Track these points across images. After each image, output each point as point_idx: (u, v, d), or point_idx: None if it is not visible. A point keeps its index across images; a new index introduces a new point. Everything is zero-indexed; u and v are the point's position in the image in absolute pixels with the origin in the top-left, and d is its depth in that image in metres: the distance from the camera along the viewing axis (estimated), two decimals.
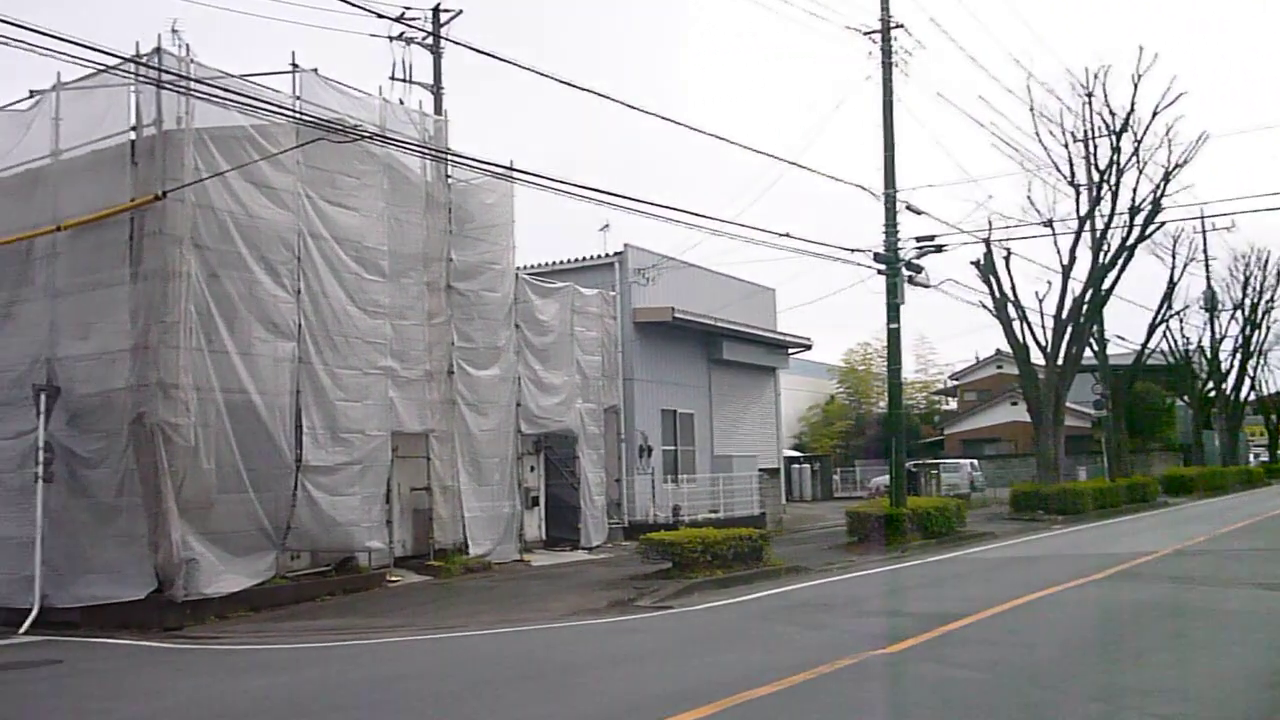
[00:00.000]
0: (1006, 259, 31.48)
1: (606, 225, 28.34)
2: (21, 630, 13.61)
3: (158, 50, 14.22)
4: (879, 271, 23.26)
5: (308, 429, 15.78)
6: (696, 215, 18.90)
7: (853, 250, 23.03)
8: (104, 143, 15.06)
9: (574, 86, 15.80)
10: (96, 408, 14.59)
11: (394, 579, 17.13)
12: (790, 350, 33.77)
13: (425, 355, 18.29)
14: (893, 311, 23.43)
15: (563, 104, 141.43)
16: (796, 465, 46.27)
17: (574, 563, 20.34)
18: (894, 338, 23.89)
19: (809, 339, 33.64)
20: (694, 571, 16.14)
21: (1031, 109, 32.27)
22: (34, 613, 13.89)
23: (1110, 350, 39.23)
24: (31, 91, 16.03)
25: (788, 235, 20.55)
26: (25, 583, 14.28)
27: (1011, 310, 32.01)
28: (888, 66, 23.76)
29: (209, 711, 8.92)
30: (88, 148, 15.26)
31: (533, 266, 26.09)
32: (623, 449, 24.93)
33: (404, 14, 23.11)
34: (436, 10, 24.20)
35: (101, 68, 13.78)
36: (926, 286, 24.58)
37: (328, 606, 15.09)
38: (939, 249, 24.34)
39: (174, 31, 15.03)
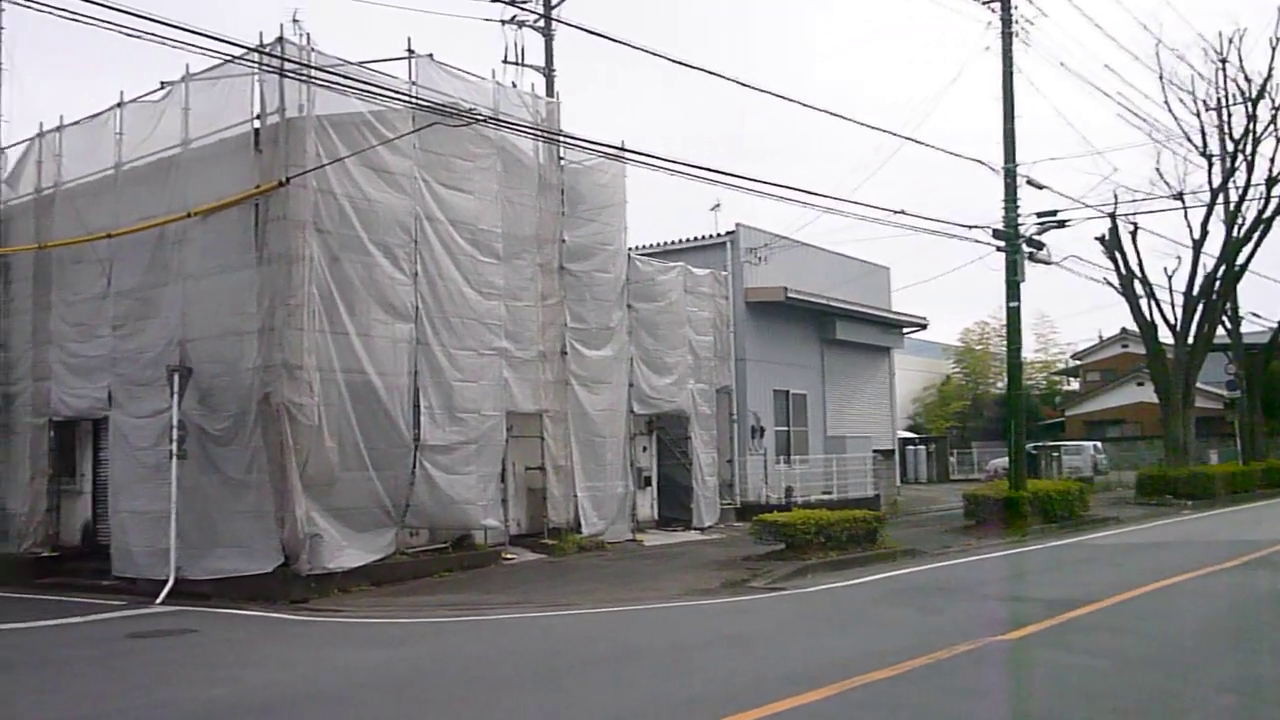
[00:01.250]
0: (1133, 234, 30.41)
1: (718, 205, 28.19)
2: (158, 600, 14.24)
3: (280, 40, 14.59)
4: (998, 248, 22.64)
5: (425, 409, 16.10)
6: (809, 193, 18.78)
7: (971, 227, 22.50)
8: (230, 131, 15.55)
9: (685, 65, 15.74)
10: (225, 387, 15.12)
11: (509, 557, 17.39)
12: (905, 330, 33.16)
13: (539, 336, 18.48)
14: (1012, 289, 22.81)
15: (673, 83, 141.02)
16: (911, 447, 45.51)
17: (686, 543, 20.36)
18: (1013, 316, 23.25)
19: (924, 318, 33.02)
20: (807, 553, 16.01)
21: (1161, 77, 31.03)
22: (169, 584, 14.53)
23: (1245, 328, 37.51)
24: (162, 83, 16.62)
25: (903, 212, 20.17)
26: (161, 555, 14.92)
27: (1138, 287, 30.91)
28: (1008, 36, 23.04)
29: (334, 682, 9.18)
30: (215, 136, 15.77)
31: (644, 247, 26.10)
32: (735, 429, 24.83)
33: None
34: None
35: (227, 58, 14.23)
36: (1048, 263, 23.89)
37: (445, 582, 15.40)
38: (1061, 224, 23.60)
39: (295, 21, 15.40)
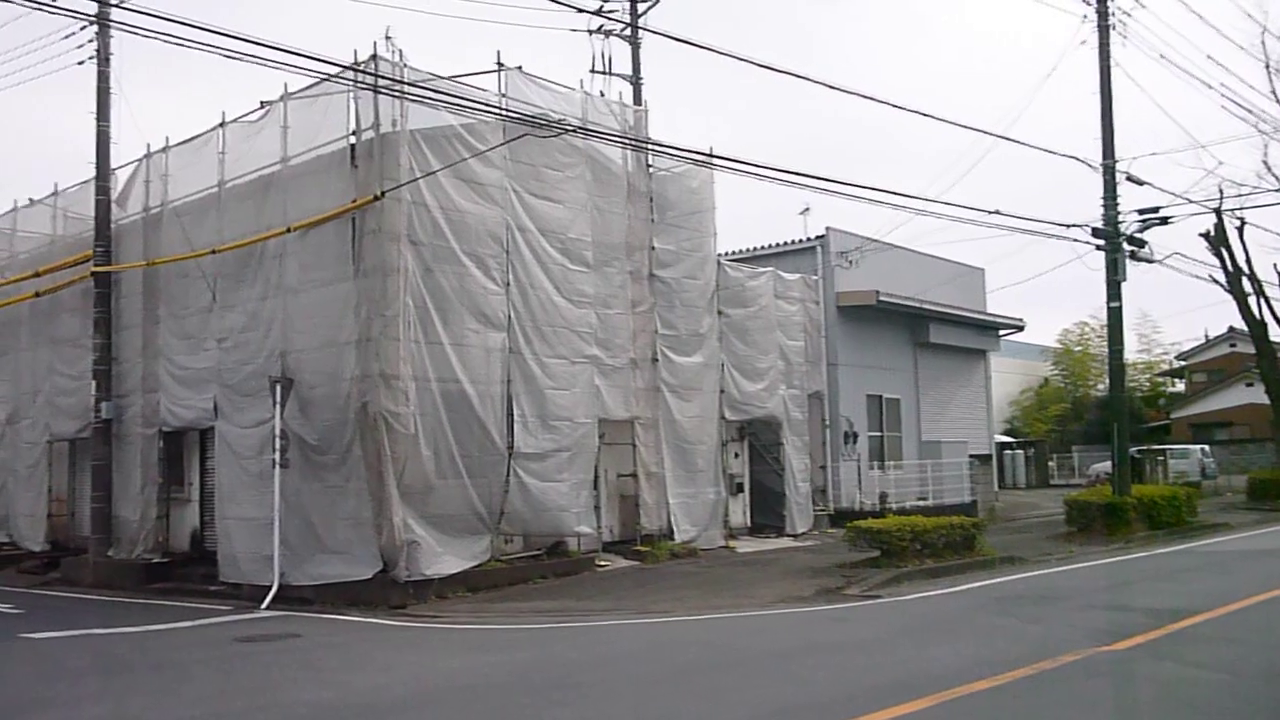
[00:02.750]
0: (1240, 229, 29.35)
1: (807, 209, 27.94)
2: (263, 605, 14.62)
3: (374, 57, 14.90)
4: (1097, 247, 22.09)
5: (518, 417, 16.28)
6: (900, 195, 18.55)
7: (1068, 226, 21.97)
8: (327, 147, 15.92)
9: (772, 69, 15.66)
10: (325, 397, 15.46)
11: (602, 563, 17.46)
12: (1001, 332, 32.53)
13: (630, 343, 18.56)
14: (1113, 289, 22.23)
15: (761, 86, 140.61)
16: (1009, 451, 44.56)
17: (779, 549, 20.22)
18: (1115, 316, 22.65)
19: (1021, 320, 32.33)
20: (903, 560, 15.79)
21: (1267, 66, 29.79)
22: (274, 589, 14.91)
23: None
24: (262, 102, 17.09)
25: (997, 212, 19.81)
26: (265, 561, 15.32)
27: (1246, 284, 29.83)
28: (1104, 30, 22.49)
29: (436, 686, 9.32)
30: (312, 153, 16.17)
31: (734, 252, 26.05)
32: (827, 435, 24.62)
33: (602, 7, 23.49)
34: (634, 1, 24.42)
35: (324, 77, 14.60)
36: (1150, 261, 23.18)
37: (540, 589, 15.53)
38: (1164, 221, 22.90)
39: (387, 38, 15.67)
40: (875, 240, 25.60)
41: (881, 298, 25.66)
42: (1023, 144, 21.14)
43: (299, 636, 12.37)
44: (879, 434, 26.92)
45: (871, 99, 17.64)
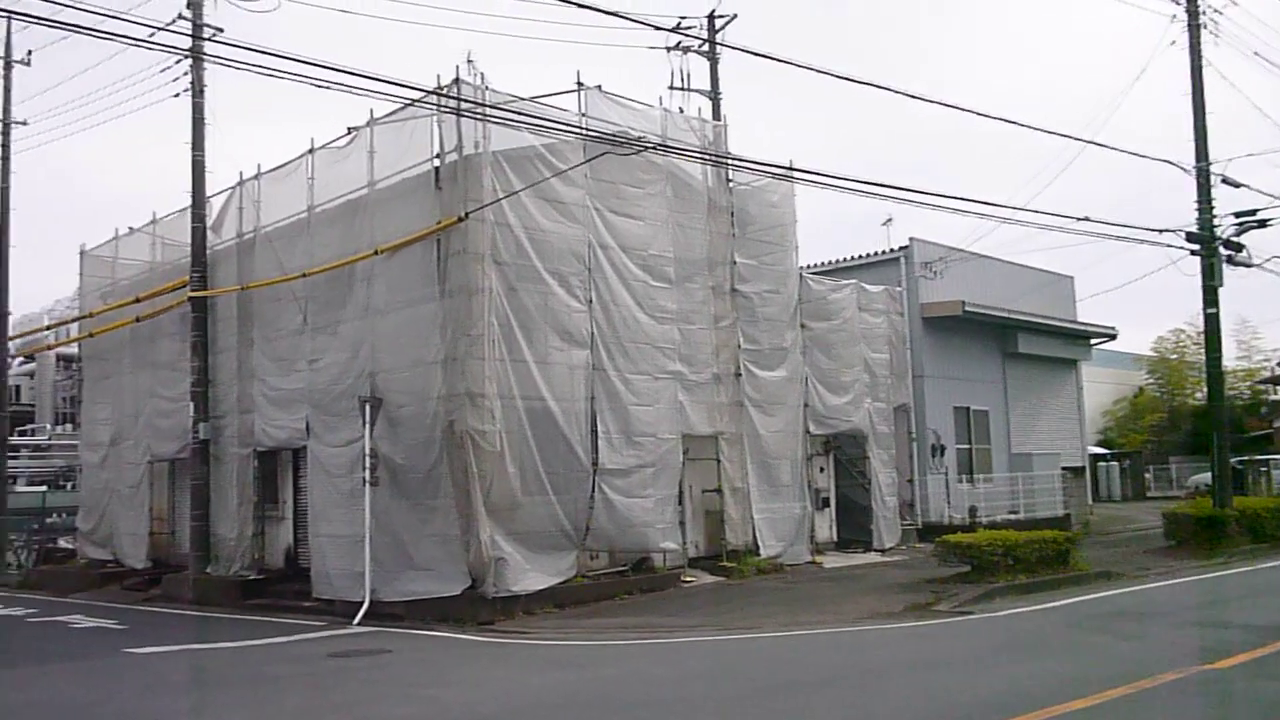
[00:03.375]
0: None
1: (889, 219, 27.69)
2: (355, 621, 14.88)
3: (456, 81, 15.16)
4: (1192, 252, 21.48)
5: (603, 433, 16.36)
6: (985, 204, 18.26)
7: (1161, 231, 21.38)
8: (412, 171, 16.22)
9: (851, 80, 15.56)
10: (412, 416, 15.71)
11: (688, 579, 17.43)
12: (1092, 341, 31.82)
13: (712, 358, 18.55)
14: (1209, 295, 21.59)
15: (840, 97, 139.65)
16: (1103, 463, 43.46)
17: (866, 565, 19.99)
18: (1212, 323, 21.99)
19: (1113, 328, 31.57)
20: (994, 575, 15.48)
21: None
22: (365, 605, 15.16)
23: None
24: (349, 129, 17.47)
25: (1086, 219, 19.40)
26: (357, 578, 15.59)
27: None
28: (1195, 29, 21.91)
29: (524, 703, 9.39)
30: (397, 176, 16.48)
31: (816, 265, 25.90)
32: (914, 448, 24.30)
33: (680, 25, 23.58)
34: (711, 17, 24.47)
35: (408, 102, 14.91)
36: (1248, 266, 22.43)
37: (626, 605, 15.55)
38: (1262, 224, 22.16)
39: (469, 62, 15.96)
40: (960, 250, 25.26)
41: (968, 308, 25.28)
42: (1111, 148, 20.67)
43: (390, 652, 12.57)
44: (967, 446, 26.48)
45: (954, 107, 17.44)
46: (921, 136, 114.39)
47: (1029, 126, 19.15)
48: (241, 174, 19.80)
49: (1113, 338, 32.31)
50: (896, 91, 19.27)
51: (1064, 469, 27.93)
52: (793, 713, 8.45)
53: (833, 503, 22.38)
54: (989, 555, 15.65)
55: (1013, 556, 15.78)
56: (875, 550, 21.69)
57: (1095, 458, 40.97)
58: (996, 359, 27.97)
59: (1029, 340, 28.22)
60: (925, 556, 19.05)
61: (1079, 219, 19.32)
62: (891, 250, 25.96)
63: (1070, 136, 19.57)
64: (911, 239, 25.71)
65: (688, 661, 11.52)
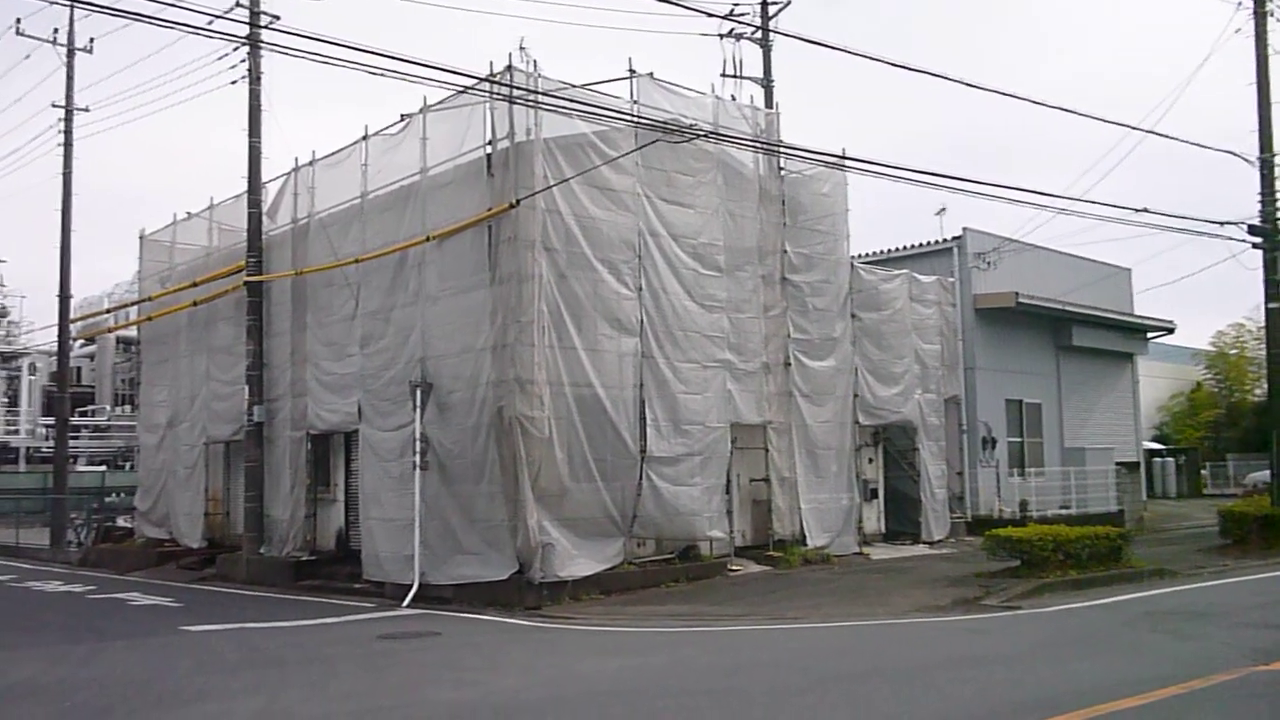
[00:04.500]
0: None
1: (943, 209, 27.37)
2: (404, 604, 15.06)
3: (509, 68, 15.22)
4: (1254, 245, 21.05)
5: (651, 421, 16.38)
6: (1041, 194, 18.02)
7: (1222, 223, 21.02)
8: (464, 158, 16.32)
9: (906, 68, 15.44)
10: (462, 402, 15.84)
11: (735, 568, 17.43)
12: (1150, 334, 31.30)
13: (762, 348, 18.50)
14: (1271, 288, 21.16)
15: (894, 86, 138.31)
16: (1158, 459, 42.75)
17: (915, 557, 19.86)
18: (1274, 317, 21.54)
19: (1171, 322, 31.02)
20: (1045, 571, 15.31)
21: None
22: (414, 588, 15.35)
23: None
24: (402, 116, 17.60)
25: (1145, 210, 19.11)
26: (407, 561, 15.78)
27: None
28: (1261, 16, 21.44)
29: (573, 689, 9.45)
30: (450, 163, 16.60)
31: (867, 254, 25.71)
32: (964, 440, 24.08)
33: (733, 11, 23.47)
34: (764, 3, 24.34)
35: (460, 89, 15.01)
36: None
37: (673, 593, 15.59)
38: None
39: (521, 49, 16.00)
40: (1015, 240, 24.95)
41: (1021, 300, 24.96)
42: (1172, 138, 20.25)
43: (439, 635, 12.70)
44: (1019, 440, 26.19)
45: (1010, 95, 17.22)
46: (977, 125, 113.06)
47: (1087, 115, 18.76)
48: (297, 160, 20.06)
49: (1170, 331, 31.76)
50: (951, 79, 18.97)
51: (1118, 464, 27.54)
52: (841, 703, 8.43)
53: (881, 494, 22.25)
54: (1040, 550, 15.48)
55: (1064, 552, 15.60)
56: (924, 543, 21.55)
57: (1150, 453, 40.33)
58: (1050, 352, 27.61)
59: (1084, 333, 27.83)
60: (974, 550, 18.89)
61: (1138, 210, 19.07)
62: (944, 240, 25.70)
63: (1129, 126, 19.31)
64: (965, 229, 25.43)
65: (736, 651, 11.52)
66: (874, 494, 21.94)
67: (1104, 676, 9.14)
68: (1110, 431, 29.36)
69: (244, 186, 20.34)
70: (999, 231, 25.38)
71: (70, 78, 28.06)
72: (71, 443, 33.37)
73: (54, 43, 27.90)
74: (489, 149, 15.89)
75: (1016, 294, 24.90)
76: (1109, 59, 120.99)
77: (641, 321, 16.50)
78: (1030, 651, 10.89)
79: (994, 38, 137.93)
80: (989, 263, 25.01)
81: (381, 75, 12.46)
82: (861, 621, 12.94)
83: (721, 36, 24.43)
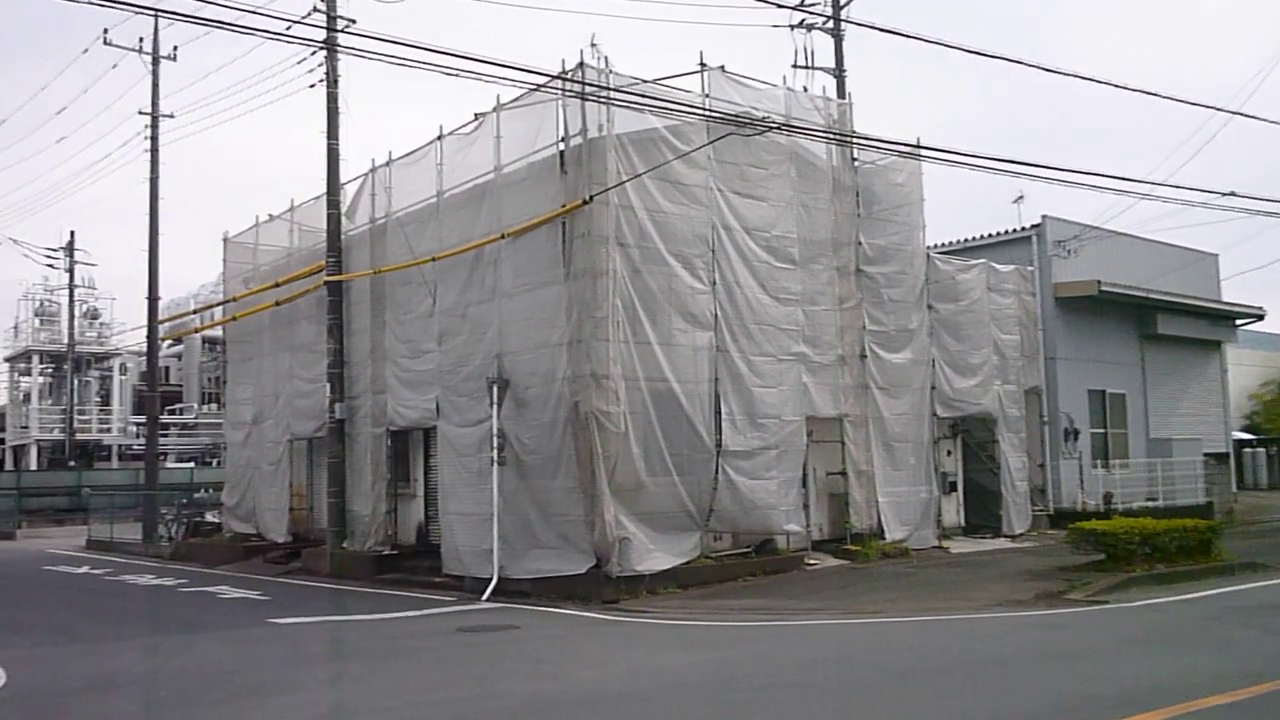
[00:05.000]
0: None
1: (1020, 197, 26.87)
2: (483, 597, 15.27)
3: (581, 65, 15.31)
4: None
5: (726, 415, 16.37)
6: (1123, 179, 17.61)
7: None
8: (537, 155, 16.46)
9: (982, 55, 15.23)
10: (538, 397, 15.98)
11: (812, 562, 17.36)
12: (1238, 321, 30.39)
13: (837, 340, 18.37)
14: None
15: (970, 72, 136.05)
16: (1249, 449, 41.52)
17: (995, 551, 19.58)
18: None
19: (1261, 308, 30.08)
20: (1130, 565, 15.00)
21: None
22: (493, 582, 15.55)
23: None
24: (475, 115, 17.79)
25: (1233, 194, 18.58)
26: (485, 555, 15.99)
27: None
28: None
29: (650, 682, 9.51)
30: (523, 161, 16.74)
31: (943, 244, 25.37)
32: (1045, 432, 23.65)
33: (803, 2, 23.32)
34: None
35: (533, 87, 15.13)
36: None
37: (749, 587, 15.57)
38: None
39: (593, 45, 16.07)
40: (1096, 227, 24.45)
41: (1104, 288, 24.41)
42: (1260, 119, 19.63)
43: (518, 628, 12.85)
44: (1102, 431, 25.64)
45: (1089, 79, 16.87)
46: (1055, 110, 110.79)
47: (1170, 98, 18.23)
48: (374, 161, 20.38)
49: (1260, 318, 30.80)
50: (1029, 65, 18.68)
51: (1206, 455, 26.80)
52: (921, 699, 8.37)
53: (960, 487, 21.97)
54: (1125, 544, 15.17)
55: (1150, 545, 15.27)
56: (1004, 536, 21.22)
57: (1240, 444, 39.16)
58: (1134, 340, 26.98)
59: (1169, 321, 27.13)
60: (1057, 544, 18.56)
61: (1224, 194, 18.53)
62: (1023, 229, 25.24)
63: (1214, 108, 18.77)
64: (1044, 217, 24.95)
65: (814, 645, 11.49)
66: (953, 487, 21.67)
67: (1191, 673, 8.95)
68: (1198, 422, 28.60)
69: (323, 188, 20.73)
70: (1079, 219, 24.91)
71: (155, 85, 28.89)
72: (161, 440, 34.40)
73: (140, 51, 28.74)
74: (562, 146, 15.99)
75: (1098, 282, 24.37)
76: (1198, 40, 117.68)
77: (715, 315, 16.49)
78: (1115, 647, 10.69)
79: (1067, 21, 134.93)
80: (1069, 251, 24.51)
81: (456, 75, 12.65)
82: (941, 616, 12.80)
83: (792, 27, 24.31)
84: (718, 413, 16.30)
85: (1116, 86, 18.33)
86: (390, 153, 19.91)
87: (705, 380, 16.27)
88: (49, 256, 45.25)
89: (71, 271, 45.96)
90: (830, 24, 24.52)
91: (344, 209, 20.73)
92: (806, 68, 24.15)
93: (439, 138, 18.50)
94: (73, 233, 46.05)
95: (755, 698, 8.56)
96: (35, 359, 47.96)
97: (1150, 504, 23.46)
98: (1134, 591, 13.87)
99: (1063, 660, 9.94)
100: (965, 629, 12.11)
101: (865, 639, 11.77)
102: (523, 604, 14.81)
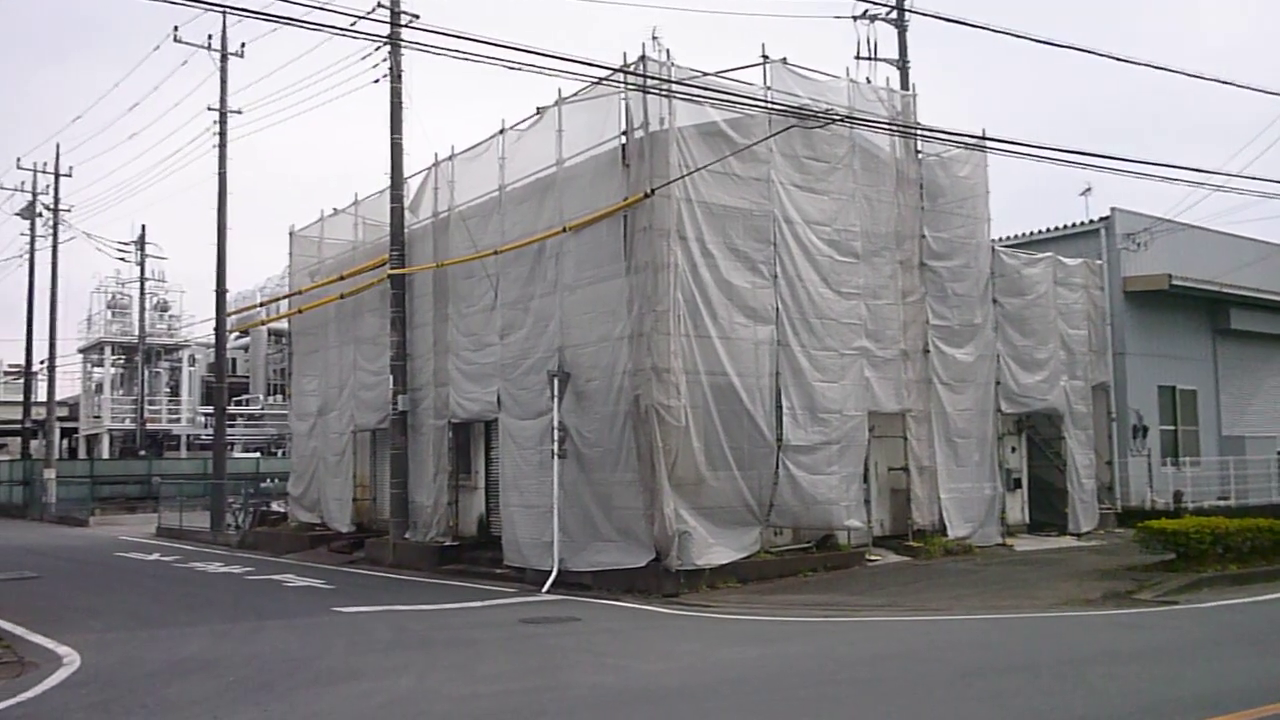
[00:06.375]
0: None
1: (1088, 189, 26.50)
2: (544, 589, 15.35)
3: (642, 59, 15.28)
4: None
5: (787, 409, 16.28)
6: (1195, 170, 17.21)
7: None
8: (599, 148, 16.46)
9: (1050, 44, 14.96)
10: (599, 390, 16.01)
11: (873, 558, 17.21)
12: None
13: (900, 334, 18.19)
14: None
15: (1036, 62, 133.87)
16: None
17: (1061, 549, 19.26)
18: None
19: None
20: (1202, 565, 14.70)
21: None
22: (554, 574, 15.63)
23: None
24: (537, 109, 17.86)
25: None
26: (546, 547, 16.07)
27: None
28: None
29: (712, 676, 9.48)
30: (585, 154, 16.76)
31: (1009, 237, 25.02)
32: (1114, 429, 23.19)
33: None
34: None
35: (594, 80, 15.15)
36: None
37: (810, 582, 15.49)
38: None
39: (654, 39, 16.05)
40: (1167, 220, 23.96)
41: (1175, 281, 23.89)
42: None
43: (579, 620, 12.89)
44: (1172, 428, 25.12)
45: (1160, 68, 16.49)
46: (1124, 100, 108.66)
47: (1244, 87, 17.72)
48: (436, 155, 20.55)
49: None
50: (1098, 54, 18.36)
51: None
52: (986, 698, 8.26)
53: (1025, 484, 21.65)
54: (1196, 543, 14.85)
55: (1223, 545, 14.95)
56: (1070, 534, 20.88)
57: None
58: (1206, 335, 26.39)
59: (1244, 316, 26.49)
60: (1125, 542, 18.23)
61: None
62: (1091, 221, 24.80)
63: None
64: (1113, 209, 24.48)
65: (876, 641, 11.39)
66: (1018, 484, 21.36)
67: (1268, 676, 8.75)
68: (1273, 419, 27.91)
69: (386, 182, 20.96)
70: (1150, 211, 24.41)
71: (224, 81, 29.40)
72: (228, 430, 35.01)
73: (209, 48, 29.26)
74: (623, 139, 15.99)
75: (1169, 275, 23.85)
76: (1261, 23, 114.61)
77: (777, 309, 16.40)
78: (1188, 648, 10.47)
79: (1132, 8, 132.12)
80: (1139, 244, 24.04)
81: (518, 69, 12.70)
82: (1006, 614, 12.63)
83: (855, 18, 24.13)
84: (779, 407, 16.21)
85: (1190, 75, 17.94)
86: (453, 147, 20.08)
87: (766, 374, 16.19)
88: (121, 250, 46.26)
89: (142, 265, 46.96)
90: (894, 14, 24.28)
91: (407, 203, 20.93)
92: (869, 59, 23.97)
93: (501, 131, 18.59)
94: (144, 227, 47.00)
95: (818, 693, 8.51)
96: (107, 350, 49.10)
97: (1222, 503, 22.96)
98: (1206, 592, 13.59)
99: (1134, 661, 9.75)
100: (1033, 628, 11.93)
101: (930, 637, 11.65)
102: (583, 596, 14.87)
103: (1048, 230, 25.50)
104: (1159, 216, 24.10)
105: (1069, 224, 25.28)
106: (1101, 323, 23.02)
